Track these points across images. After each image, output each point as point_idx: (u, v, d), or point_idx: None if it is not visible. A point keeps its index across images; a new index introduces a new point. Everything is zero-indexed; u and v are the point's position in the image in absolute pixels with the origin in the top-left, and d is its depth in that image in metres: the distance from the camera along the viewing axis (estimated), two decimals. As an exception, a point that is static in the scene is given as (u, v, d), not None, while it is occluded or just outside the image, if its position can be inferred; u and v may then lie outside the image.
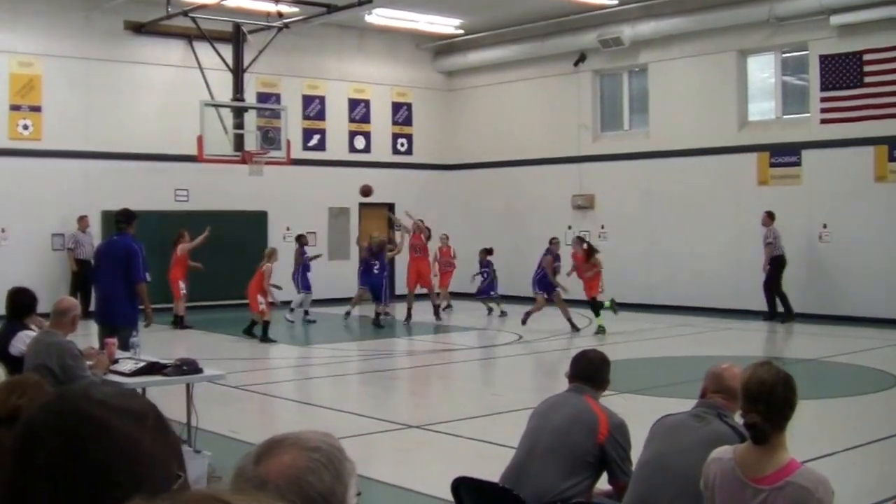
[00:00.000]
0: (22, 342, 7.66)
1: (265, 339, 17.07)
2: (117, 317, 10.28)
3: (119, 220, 10.95)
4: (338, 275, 23.38)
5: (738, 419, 4.45)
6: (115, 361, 7.95)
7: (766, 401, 3.78)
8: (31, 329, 7.91)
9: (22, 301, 8.09)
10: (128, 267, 10.52)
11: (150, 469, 1.51)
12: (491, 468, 5.63)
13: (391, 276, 21.77)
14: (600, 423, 5.23)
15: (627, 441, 5.29)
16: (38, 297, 8.22)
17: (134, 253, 10.62)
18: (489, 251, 22.63)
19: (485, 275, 22.26)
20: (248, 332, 17.63)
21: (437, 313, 20.67)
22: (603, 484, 5.43)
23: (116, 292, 10.45)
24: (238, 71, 21.52)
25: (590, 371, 5.54)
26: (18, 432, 1.53)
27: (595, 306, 18.12)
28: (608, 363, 5.63)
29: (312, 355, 16.74)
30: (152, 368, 7.96)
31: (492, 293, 22.12)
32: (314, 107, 24.91)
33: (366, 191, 20.53)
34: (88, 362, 7.74)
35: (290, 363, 16.20)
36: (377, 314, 19.77)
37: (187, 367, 8.06)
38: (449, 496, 5.15)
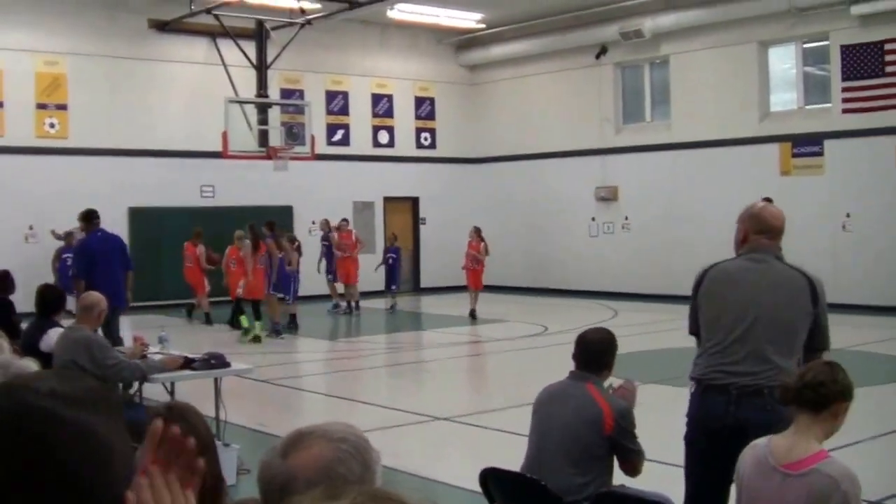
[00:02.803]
0: (53, 339, 7.77)
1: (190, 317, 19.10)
2: (120, 299, 11.75)
3: (95, 218, 12.72)
4: (362, 268, 23.42)
5: None
6: (144, 356, 8.06)
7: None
8: (61, 326, 8.05)
9: (51, 297, 8.27)
10: (124, 257, 12.60)
11: (110, 456, 1.41)
12: (519, 460, 5.56)
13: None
14: (605, 415, 5.05)
15: (633, 423, 5.14)
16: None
17: (125, 246, 13.05)
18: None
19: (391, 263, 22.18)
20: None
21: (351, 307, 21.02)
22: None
23: (120, 279, 12.22)
24: (262, 67, 21.66)
25: (589, 356, 5.26)
26: None
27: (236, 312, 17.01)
28: (612, 346, 5.33)
29: (338, 349, 16.86)
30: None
31: (392, 287, 22.05)
32: (337, 102, 25.04)
33: None
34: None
35: (316, 357, 16.33)
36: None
37: (215, 361, 8.16)
38: (477, 487, 5.15)
